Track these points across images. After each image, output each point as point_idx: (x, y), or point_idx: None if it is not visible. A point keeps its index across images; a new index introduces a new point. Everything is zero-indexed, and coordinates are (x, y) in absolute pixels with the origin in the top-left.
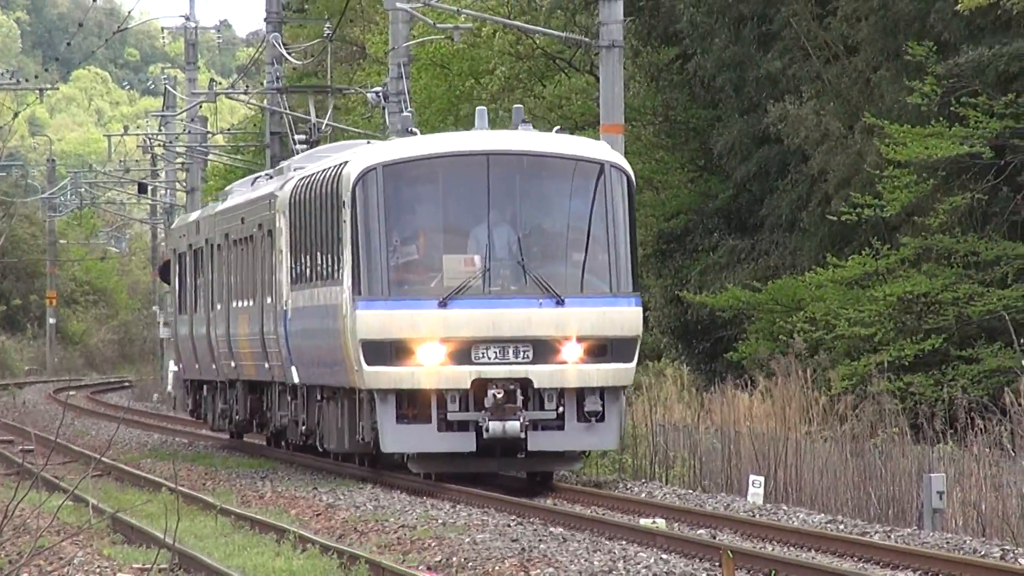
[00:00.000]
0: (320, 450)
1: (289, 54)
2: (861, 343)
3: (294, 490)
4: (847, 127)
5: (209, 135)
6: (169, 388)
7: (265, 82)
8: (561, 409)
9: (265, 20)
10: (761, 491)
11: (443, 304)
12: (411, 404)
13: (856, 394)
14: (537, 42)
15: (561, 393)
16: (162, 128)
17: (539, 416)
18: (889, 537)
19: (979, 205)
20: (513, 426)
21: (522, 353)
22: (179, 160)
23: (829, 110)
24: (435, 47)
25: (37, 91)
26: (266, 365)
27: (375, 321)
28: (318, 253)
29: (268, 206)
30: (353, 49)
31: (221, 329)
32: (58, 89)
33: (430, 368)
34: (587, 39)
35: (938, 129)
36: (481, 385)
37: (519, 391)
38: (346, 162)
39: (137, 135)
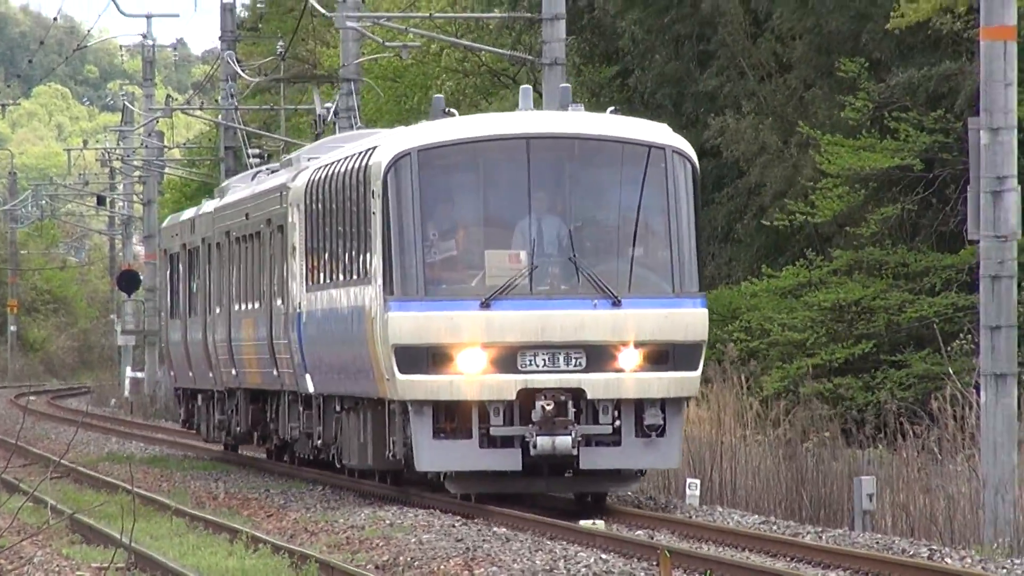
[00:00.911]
0: (337, 466)
1: (243, 71)
2: (794, 349)
3: (247, 492)
4: (783, 141)
5: (166, 149)
6: (126, 394)
7: (220, 98)
8: (617, 423)
9: (220, 39)
10: (697, 493)
11: (485, 305)
12: (449, 417)
13: (788, 399)
14: (483, 59)
15: (617, 405)
16: (120, 143)
17: (593, 431)
18: (820, 538)
19: (909, 217)
20: (564, 442)
21: (574, 360)
22: (136, 173)
23: (766, 125)
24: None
25: None
26: (274, 373)
27: (409, 324)
28: (340, 250)
29: (279, 199)
30: (305, 67)
31: (220, 334)
32: (19, 105)
33: (471, 377)
34: (531, 57)
35: (870, 142)
36: (528, 396)
37: (570, 402)
38: (374, 148)
39: (96, 149)
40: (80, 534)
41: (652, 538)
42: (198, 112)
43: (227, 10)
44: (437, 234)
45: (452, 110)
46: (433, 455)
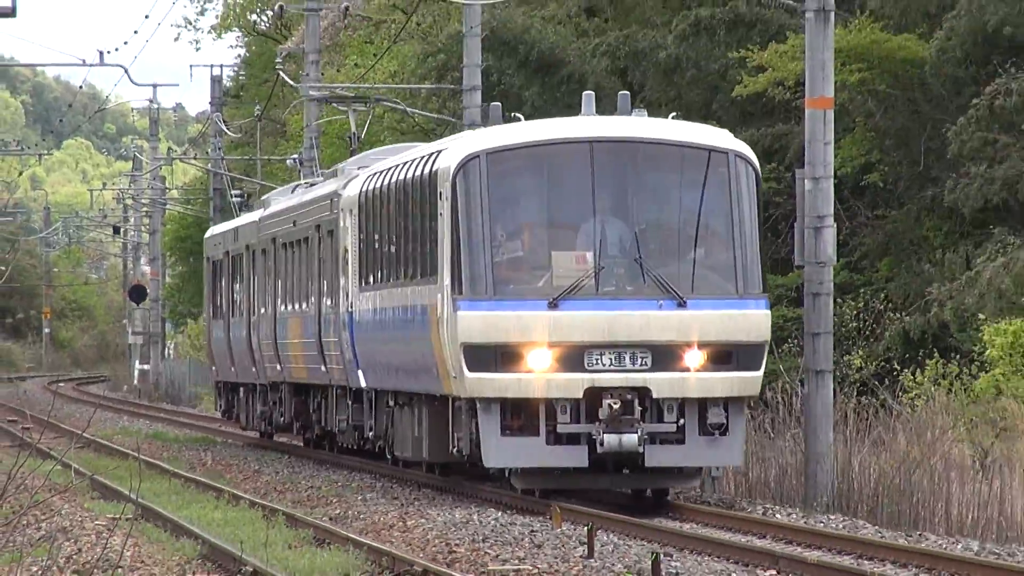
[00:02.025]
0: (388, 458)
1: (228, 129)
2: None
3: (229, 459)
4: None
5: (167, 190)
6: (135, 382)
7: (210, 150)
8: (681, 421)
9: (210, 103)
10: None
11: (553, 305)
12: (516, 414)
13: None
14: (416, 120)
15: (682, 404)
16: (131, 184)
17: (658, 429)
18: (679, 497)
19: None
20: (631, 439)
21: (640, 360)
22: (144, 209)
23: None
24: (339, 124)
25: (37, 156)
26: (322, 368)
27: (479, 323)
28: (399, 251)
29: (329, 206)
30: (277, 126)
31: (265, 333)
32: (52, 154)
33: (539, 375)
34: (454, 119)
35: None
36: (595, 394)
37: (636, 401)
38: (439, 151)
39: (112, 190)
40: (98, 491)
41: (548, 497)
42: (193, 161)
43: (216, 81)
44: (505, 235)
45: (518, 115)
46: (501, 452)
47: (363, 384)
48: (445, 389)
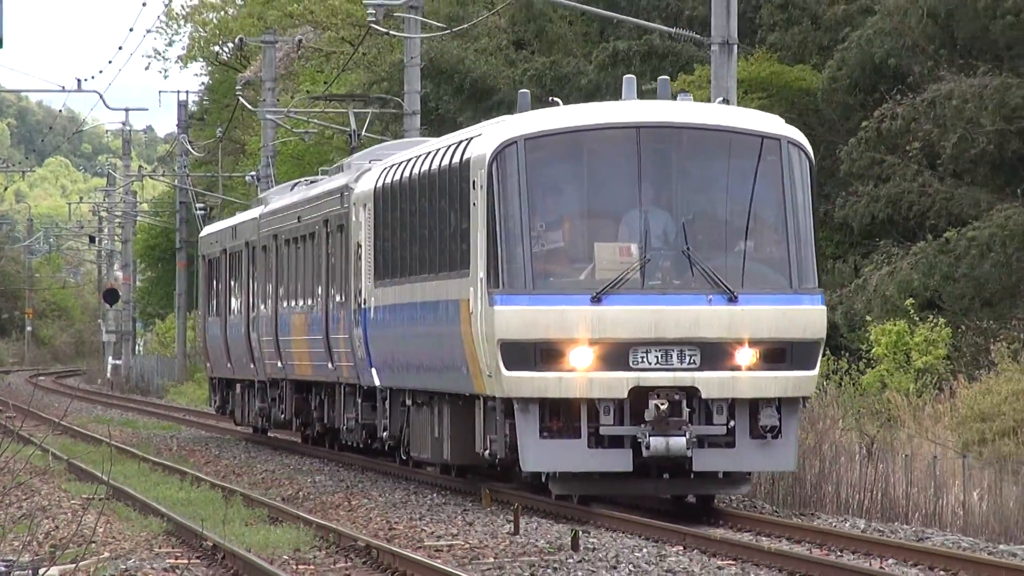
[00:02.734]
0: (403, 458)
1: (193, 149)
2: None
3: (191, 446)
4: None
5: (138, 204)
6: (108, 375)
7: (176, 168)
8: (731, 423)
9: (177, 126)
10: None
11: (597, 300)
12: (556, 416)
13: None
14: (363, 142)
15: (732, 405)
16: (106, 199)
17: (707, 431)
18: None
19: None
20: (679, 443)
21: (688, 358)
22: (117, 221)
23: None
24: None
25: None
26: (329, 366)
27: (517, 319)
28: (424, 244)
29: (339, 200)
30: (236, 146)
31: (265, 330)
32: (35, 171)
33: (581, 374)
34: (397, 141)
35: None
36: (640, 395)
37: (685, 402)
38: (471, 138)
39: (89, 203)
40: (74, 474)
41: (474, 482)
42: (161, 177)
43: (182, 106)
44: (544, 225)
45: (556, 99)
46: (540, 455)
47: (377, 383)
48: (476, 388)
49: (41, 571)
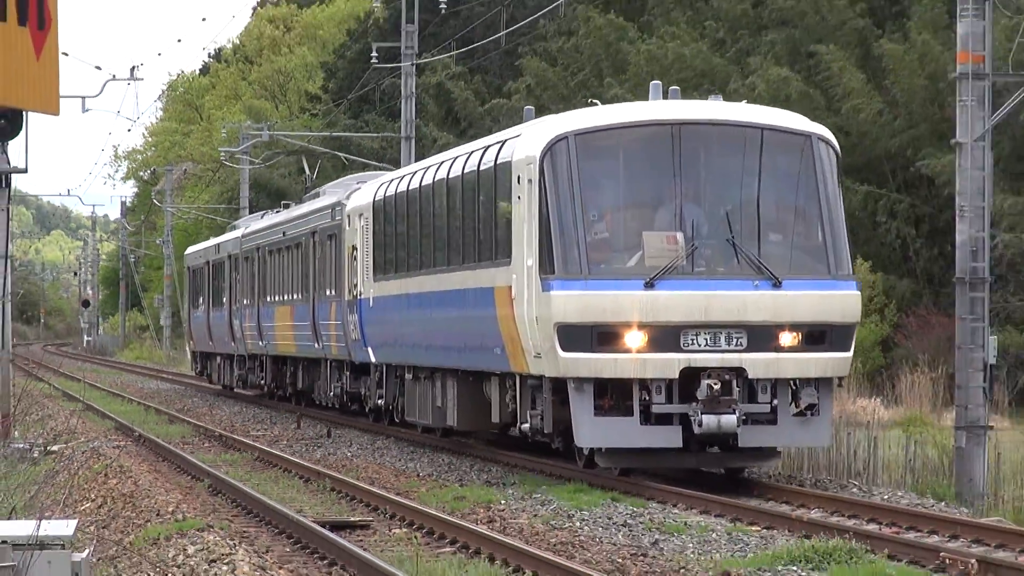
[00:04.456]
0: (396, 420)
1: (128, 226)
2: None
3: (129, 382)
4: None
5: (99, 255)
6: (84, 346)
7: (120, 236)
8: (775, 402)
9: (120, 214)
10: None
11: (650, 285)
12: (609, 394)
13: None
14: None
15: (775, 384)
16: (81, 253)
17: (752, 409)
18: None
19: None
20: (729, 421)
21: (735, 340)
22: (88, 265)
23: None
24: (183, 223)
25: (38, 239)
26: (316, 346)
27: (574, 303)
28: (441, 240)
29: (331, 214)
30: (151, 223)
31: (248, 317)
32: (44, 238)
33: (635, 355)
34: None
35: None
36: (690, 375)
37: (735, 382)
38: (504, 140)
39: (73, 255)
40: (65, 397)
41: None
42: (110, 241)
43: (122, 202)
44: (596, 215)
45: (595, 100)
46: (594, 431)
47: (373, 359)
48: (513, 367)
49: (49, 447)
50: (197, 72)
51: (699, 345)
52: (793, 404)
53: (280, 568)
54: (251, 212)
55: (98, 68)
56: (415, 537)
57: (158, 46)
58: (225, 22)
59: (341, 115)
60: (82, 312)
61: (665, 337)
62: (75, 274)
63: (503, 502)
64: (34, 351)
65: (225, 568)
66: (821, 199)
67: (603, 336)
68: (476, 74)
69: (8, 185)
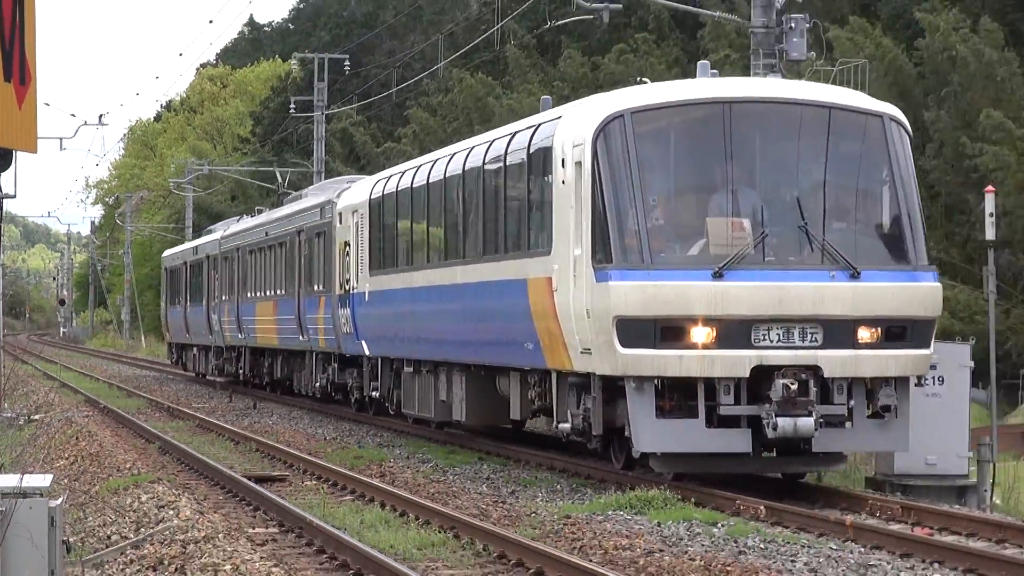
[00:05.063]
0: (391, 412)
1: (96, 240)
2: None
3: (97, 364)
4: None
5: (73, 265)
6: (60, 336)
7: (90, 251)
8: (851, 403)
9: (90, 231)
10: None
11: (718, 275)
12: (671, 394)
13: None
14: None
15: (850, 384)
16: (59, 262)
17: (829, 411)
18: None
19: None
20: (807, 424)
21: (810, 336)
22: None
23: None
24: (139, 239)
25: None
26: (301, 338)
27: (636, 295)
28: (456, 232)
29: (319, 213)
30: (116, 239)
31: (227, 312)
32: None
33: (703, 352)
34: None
35: None
36: (762, 373)
37: (811, 381)
38: (539, 124)
39: (52, 263)
40: (44, 375)
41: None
42: (82, 253)
43: (92, 222)
44: (655, 199)
45: (644, 78)
46: (655, 435)
47: (366, 352)
48: (550, 363)
49: (32, 416)
50: (152, 119)
51: (771, 341)
52: (869, 405)
53: (215, 512)
54: (194, 231)
55: (73, 115)
56: (322, 488)
57: (120, 98)
58: (174, 79)
59: (266, 154)
60: (59, 309)
61: (735, 332)
62: (54, 279)
63: (392, 460)
64: (20, 340)
65: (171, 512)
66: (897, 183)
67: (667, 331)
68: (373, 122)
69: (1, 208)
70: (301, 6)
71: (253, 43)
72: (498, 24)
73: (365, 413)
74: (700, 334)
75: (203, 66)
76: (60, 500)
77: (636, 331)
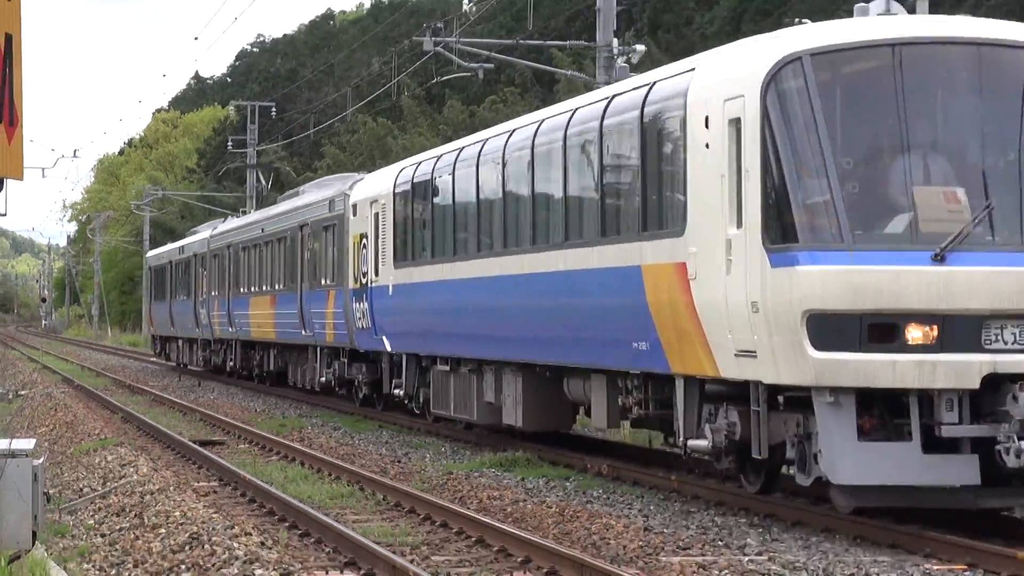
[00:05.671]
0: (416, 412)
1: (72, 250)
2: None
3: (78, 351)
4: None
5: (53, 270)
6: (43, 327)
7: (67, 259)
8: None
9: (67, 242)
10: None
11: (939, 259)
12: (873, 411)
13: None
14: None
15: None
16: (41, 267)
17: None
18: None
19: None
20: None
21: None
22: (46, 276)
23: None
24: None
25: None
26: (304, 332)
27: (837, 283)
28: (528, 216)
29: (328, 207)
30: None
31: (216, 307)
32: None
33: (919, 356)
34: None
35: None
36: (995, 383)
37: None
38: (655, 82)
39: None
40: (29, 359)
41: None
42: (60, 260)
43: (68, 236)
44: (848, 164)
45: (803, 20)
46: (858, 463)
47: (388, 348)
48: (678, 368)
49: (19, 392)
50: (116, 153)
51: (1005, 343)
52: None
53: (167, 470)
54: (151, 243)
55: (52, 150)
56: (254, 450)
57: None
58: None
59: (208, 181)
60: (41, 305)
61: (961, 331)
62: (37, 281)
63: (310, 428)
64: (10, 331)
65: (132, 470)
66: None
67: (876, 329)
68: (295, 156)
69: None
70: (237, 64)
71: (198, 92)
72: (395, 79)
73: (372, 408)
74: (918, 333)
75: (158, 111)
76: (42, 459)
77: (836, 329)
